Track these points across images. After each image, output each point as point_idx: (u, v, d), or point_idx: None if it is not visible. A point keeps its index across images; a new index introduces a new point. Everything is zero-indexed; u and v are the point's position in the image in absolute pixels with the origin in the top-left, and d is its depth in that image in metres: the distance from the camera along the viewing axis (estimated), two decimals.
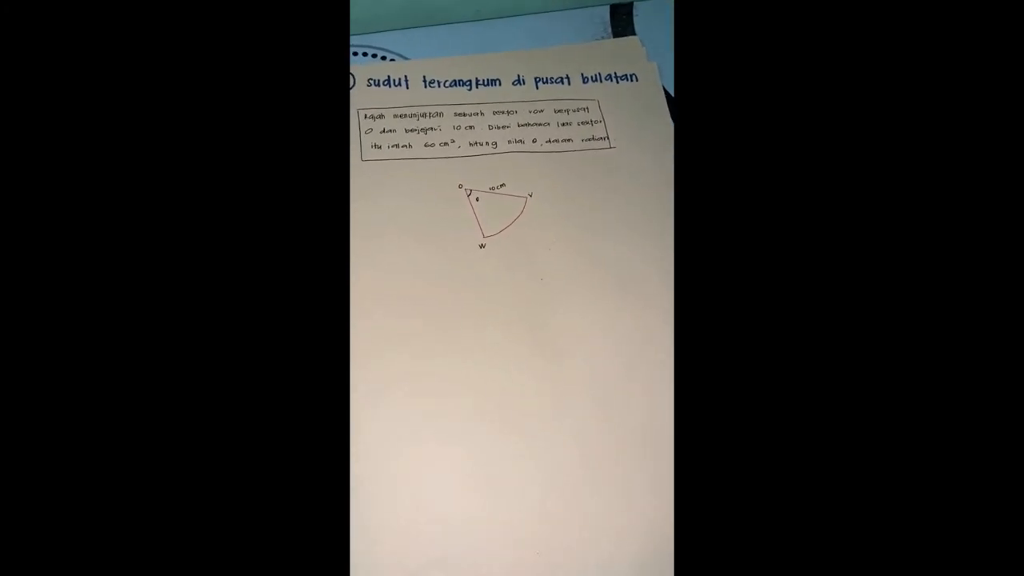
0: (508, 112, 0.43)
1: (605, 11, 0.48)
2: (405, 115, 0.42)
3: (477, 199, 0.40)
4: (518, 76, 0.44)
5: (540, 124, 0.42)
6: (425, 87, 0.43)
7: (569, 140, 0.42)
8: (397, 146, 0.41)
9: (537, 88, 0.44)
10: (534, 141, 0.42)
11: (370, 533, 0.32)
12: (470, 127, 0.42)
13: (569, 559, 0.32)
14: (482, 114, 0.42)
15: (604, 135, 0.42)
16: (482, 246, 0.39)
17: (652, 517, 0.33)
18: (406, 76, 0.43)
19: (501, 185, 0.40)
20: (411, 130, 0.41)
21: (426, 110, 0.42)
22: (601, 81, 0.44)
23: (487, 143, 0.41)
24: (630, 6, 0.48)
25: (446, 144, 0.41)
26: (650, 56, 0.45)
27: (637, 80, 0.44)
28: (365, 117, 0.41)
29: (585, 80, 0.44)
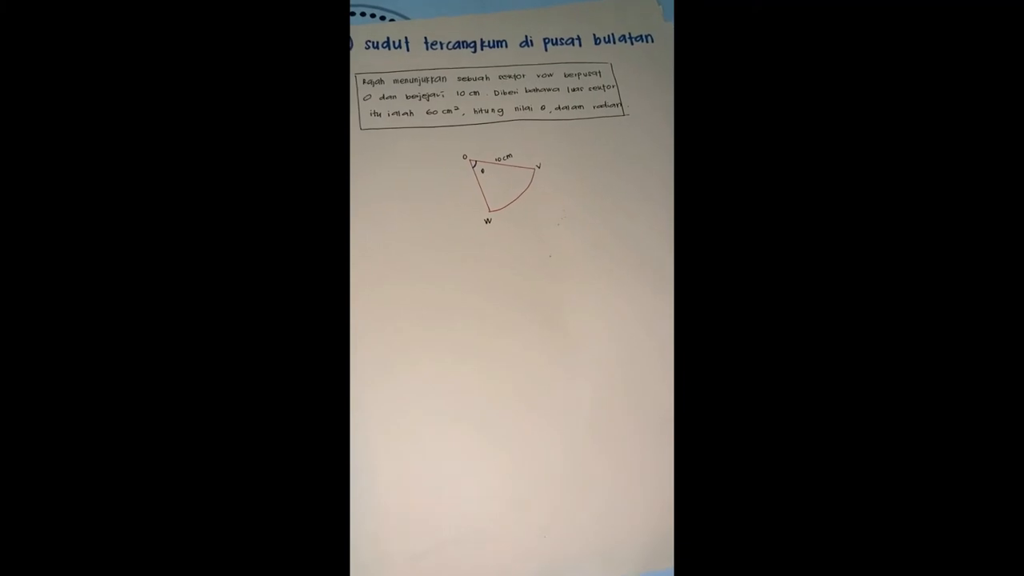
0: (515, 76, 0.40)
1: None
2: (406, 80, 0.39)
3: (482, 171, 0.38)
4: (526, 37, 0.41)
5: (549, 89, 0.40)
6: (427, 49, 0.40)
7: (580, 107, 0.40)
8: (398, 114, 0.39)
9: (546, 50, 0.41)
10: (543, 108, 0.39)
11: (371, 518, 0.31)
12: (475, 92, 0.39)
13: (574, 542, 0.32)
14: (487, 79, 0.40)
15: (617, 101, 0.40)
16: (488, 221, 0.37)
17: (659, 499, 0.33)
18: (406, 37, 0.41)
19: (508, 155, 0.38)
20: (412, 96, 0.39)
21: (428, 74, 0.40)
22: (615, 42, 0.42)
23: (493, 110, 0.39)
24: None
25: (449, 111, 0.39)
26: (667, 15, 0.43)
27: (653, 41, 0.42)
28: (364, 82, 0.39)
29: (597, 41, 0.42)
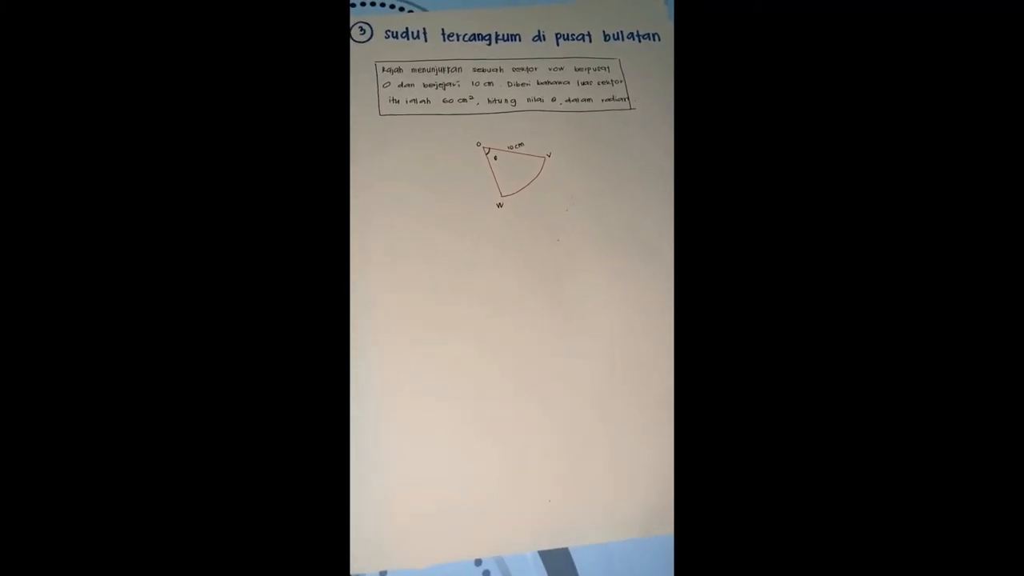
0: (528, 69, 0.42)
1: None
2: (423, 69, 0.41)
3: (495, 158, 0.39)
4: (538, 32, 0.43)
5: (560, 82, 0.42)
6: (444, 40, 0.42)
7: (589, 100, 0.42)
8: (415, 101, 0.40)
9: (558, 45, 0.43)
10: (553, 100, 0.41)
11: (379, 483, 0.33)
12: (489, 83, 0.41)
13: (577, 508, 0.34)
14: (501, 70, 0.42)
15: (624, 95, 0.42)
16: (499, 205, 0.39)
17: (658, 467, 0.34)
18: (424, 28, 0.42)
19: (520, 144, 0.40)
20: (429, 85, 0.41)
21: (445, 64, 0.41)
22: (623, 40, 0.43)
23: (506, 100, 0.41)
24: None
25: (464, 100, 0.41)
26: (672, 15, 0.45)
27: (659, 40, 0.44)
28: (383, 70, 0.41)
29: (607, 38, 0.43)
